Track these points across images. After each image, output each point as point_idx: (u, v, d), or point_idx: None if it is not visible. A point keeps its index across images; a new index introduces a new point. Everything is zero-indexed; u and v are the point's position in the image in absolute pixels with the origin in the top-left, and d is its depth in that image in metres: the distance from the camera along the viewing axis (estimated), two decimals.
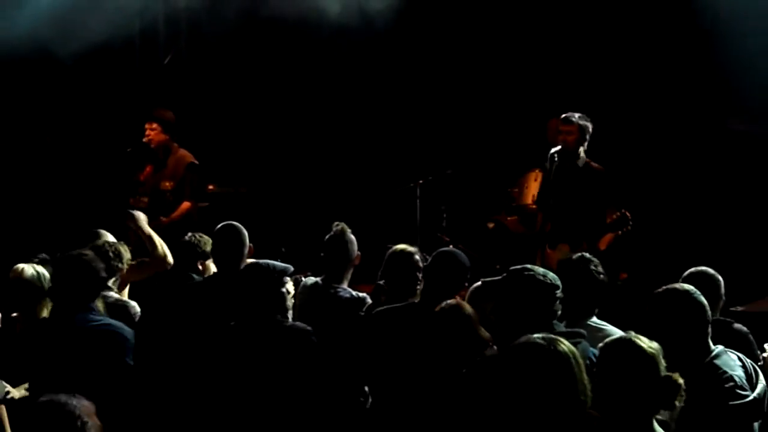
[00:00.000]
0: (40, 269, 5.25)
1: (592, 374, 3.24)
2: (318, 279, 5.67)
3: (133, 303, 5.42)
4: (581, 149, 7.25)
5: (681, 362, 3.43)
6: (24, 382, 4.47)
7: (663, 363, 3.32)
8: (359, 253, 5.69)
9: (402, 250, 5.41)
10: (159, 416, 4.79)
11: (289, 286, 4.90)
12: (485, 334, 4.43)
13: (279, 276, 4.80)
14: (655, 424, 3.28)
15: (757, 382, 4.16)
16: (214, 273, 5.67)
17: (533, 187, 8.28)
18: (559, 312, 4.28)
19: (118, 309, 5.24)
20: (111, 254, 5.47)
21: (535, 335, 3.09)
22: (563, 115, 7.28)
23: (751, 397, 4.05)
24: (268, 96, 10.18)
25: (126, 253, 5.63)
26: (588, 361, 3.93)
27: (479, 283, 4.86)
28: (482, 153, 9.80)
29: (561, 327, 4.21)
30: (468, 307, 4.55)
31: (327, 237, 5.68)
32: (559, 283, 4.26)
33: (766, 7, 8.25)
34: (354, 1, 9.14)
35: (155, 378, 5.00)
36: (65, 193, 9.71)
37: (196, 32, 9.85)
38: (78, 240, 5.71)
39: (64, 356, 4.43)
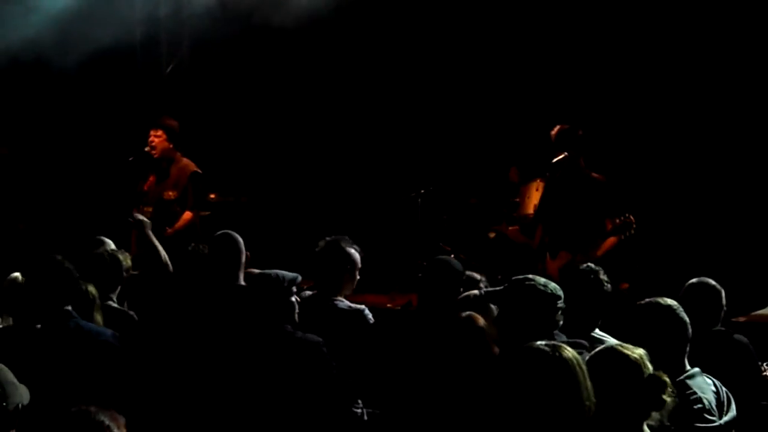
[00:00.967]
0: None
1: None
2: (314, 291, 5.66)
3: (132, 312, 5.42)
4: (581, 158, 7.25)
5: None
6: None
7: (649, 367, 3.33)
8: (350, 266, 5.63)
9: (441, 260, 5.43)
10: (165, 425, 4.79)
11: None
12: (495, 348, 4.42)
13: (288, 285, 4.82)
14: (646, 430, 3.29)
15: (728, 411, 4.10)
16: (212, 282, 5.66)
17: (535, 196, 8.28)
18: (561, 322, 4.27)
19: (119, 318, 5.25)
20: (111, 262, 5.48)
21: (539, 342, 3.10)
22: (560, 125, 7.28)
23: (716, 424, 4.00)
24: (270, 105, 10.20)
25: (126, 262, 5.64)
26: None
27: (476, 292, 4.85)
28: (484, 162, 9.80)
29: (563, 338, 4.21)
30: (481, 320, 4.53)
31: (316, 250, 5.64)
32: (560, 293, 4.26)
33: None
34: (354, 10, 9.17)
35: (161, 387, 5.00)
36: (68, 202, 9.72)
37: (198, 41, 9.87)
38: (80, 248, 5.72)
39: (38, 362, 4.44)
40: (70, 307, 4.66)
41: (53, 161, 9.87)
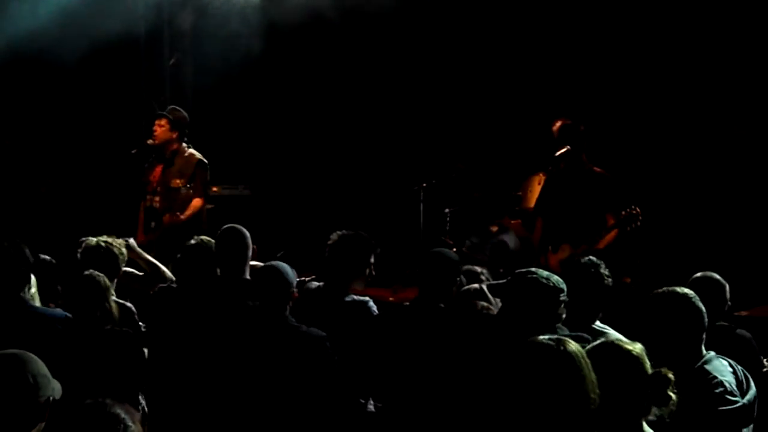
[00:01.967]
0: None
1: None
2: (320, 284, 5.66)
3: (130, 304, 5.42)
4: (583, 153, 7.25)
5: (672, 366, 3.42)
6: None
7: (647, 362, 3.32)
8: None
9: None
10: (169, 419, 4.80)
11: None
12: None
13: (291, 278, 4.87)
14: (645, 426, 3.29)
15: (747, 389, 4.14)
16: (219, 276, 5.66)
17: (537, 190, 8.27)
18: (564, 315, 4.27)
19: (119, 310, 5.25)
20: (105, 254, 5.49)
21: (543, 336, 3.09)
22: (559, 124, 7.28)
23: (740, 404, 4.03)
24: (274, 98, 10.20)
25: (122, 254, 5.63)
26: None
27: (476, 285, 4.85)
28: (486, 156, 9.80)
29: (565, 331, 4.21)
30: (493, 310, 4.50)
31: (332, 242, 5.65)
32: (563, 286, 4.26)
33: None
34: (358, 4, 9.16)
35: (166, 381, 5.01)
36: (71, 195, 9.73)
37: (201, 33, 9.86)
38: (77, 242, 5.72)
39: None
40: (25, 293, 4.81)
41: (56, 153, 9.87)
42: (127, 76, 9.82)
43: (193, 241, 5.70)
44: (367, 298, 5.55)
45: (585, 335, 4.26)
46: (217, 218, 8.29)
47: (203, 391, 4.87)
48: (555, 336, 3.10)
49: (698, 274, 5.10)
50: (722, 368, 4.13)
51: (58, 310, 5.03)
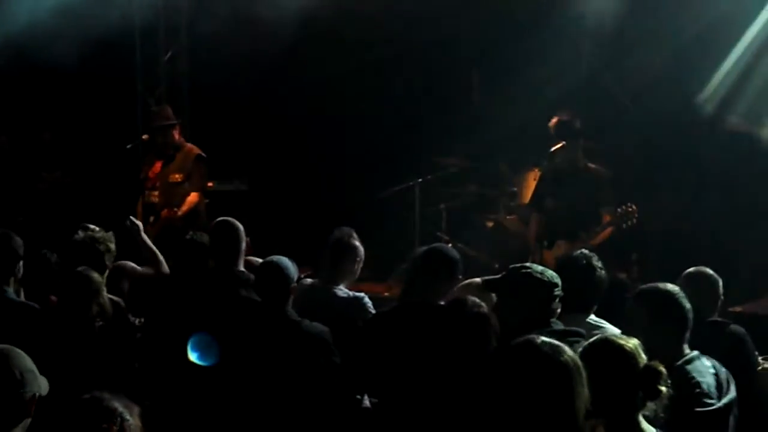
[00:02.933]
0: None
1: None
2: (314, 280, 5.68)
3: (118, 299, 5.43)
4: (579, 149, 7.26)
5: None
6: None
7: (643, 358, 3.33)
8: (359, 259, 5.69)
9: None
10: (168, 414, 4.80)
11: None
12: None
13: (292, 273, 4.89)
14: (643, 422, 3.30)
15: (727, 392, 4.09)
16: (212, 269, 5.68)
17: (532, 186, 8.29)
18: (558, 310, 4.28)
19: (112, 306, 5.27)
20: (95, 248, 5.50)
21: (540, 339, 3.04)
22: (560, 114, 7.30)
23: (715, 407, 3.99)
24: (269, 93, 10.19)
25: (110, 250, 5.63)
26: None
27: (478, 280, 4.86)
28: (481, 152, 9.80)
29: (559, 325, 4.22)
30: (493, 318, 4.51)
31: (330, 239, 5.68)
32: (557, 281, 4.27)
33: None
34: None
35: (164, 375, 5.02)
36: (67, 191, 9.73)
37: (196, 29, 9.85)
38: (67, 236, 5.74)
39: None
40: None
41: (52, 149, 9.87)
42: (123, 71, 9.81)
43: (186, 237, 5.73)
44: (362, 294, 5.57)
45: (579, 330, 4.27)
46: (214, 213, 8.30)
47: (203, 384, 4.88)
48: (552, 341, 3.05)
49: (691, 269, 5.10)
50: (703, 369, 4.07)
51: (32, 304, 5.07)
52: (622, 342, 3.34)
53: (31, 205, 9.49)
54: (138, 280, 5.93)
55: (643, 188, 8.51)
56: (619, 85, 9.15)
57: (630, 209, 6.88)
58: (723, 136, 8.76)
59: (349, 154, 10.14)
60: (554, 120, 7.42)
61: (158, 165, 8.02)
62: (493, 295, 4.76)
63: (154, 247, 6.12)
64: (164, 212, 7.81)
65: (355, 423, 5.02)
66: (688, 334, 4.14)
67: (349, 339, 5.12)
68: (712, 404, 3.99)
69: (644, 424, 3.29)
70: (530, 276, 4.22)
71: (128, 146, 8.06)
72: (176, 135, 8.05)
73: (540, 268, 4.29)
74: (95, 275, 5.00)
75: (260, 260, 5.69)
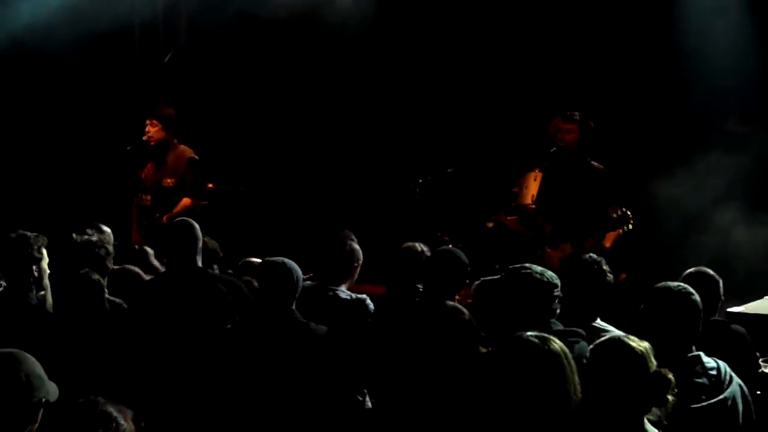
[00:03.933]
0: None
1: (585, 374, 3.26)
2: (315, 282, 5.67)
3: (120, 301, 5.42)
4: (581, 148, 7.25)
5: (661, 360, 3.43)
6: None
7: (653, 361, 3.32)
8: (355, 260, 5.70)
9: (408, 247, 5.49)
10: (167, 417, 4.79)
11: None
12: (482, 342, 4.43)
13: (300, 274, 4.92)
14: (647, 424, 3.29)
15: (727, 387, 4.10)
16: (166, 269, 5.64)
17: (533, 186, 8.27)
18: (558, 311, 4.27)
19: (110, 308, 5.26)
20: (98, 251, 5.49)
21: (528, 333, 3.08)
22: (565, 113, 7.28)
23: (712, 401, 4.00)
24: (268, 94, 10.19)
25: (110, 252, 5.62)
26: (585, 361, 3.93)
27: (496, 277, 4.85)
28: (482, 152, 9.79)
29: (559, 326, 4.21)
30: (465, 311, 4.54)
31: (329, 240, 5.69)
32: (557, 281, 4.26)
33: None
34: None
35: (164, 376, 5.01)
36: (66, 191, 9.71)
37: (196, 29, 9.85)
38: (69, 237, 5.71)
39: None
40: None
41: (50, 149, 9.86)
42: (122, 72, 9.80)
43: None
44: (364, 296, 5.58)
45: (579, 330, 4.26)
46: (211, 215, 8.28)
47: (207, 387, 4.88)
48: (540, 333, 3.08)
49: (691, 270, 5.10)
50: (704, 368, 4.08)
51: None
52: (634, 344, 3.34)
53: (35, 206, 9.48)
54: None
55: (643, 186, 8.50)
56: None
57: (625, 214, 6.85)
58: (722, 134, 8.77)
59: (349, 156, 10.13)
60: (559, 119, 7.41)
61: (150, 167, 7.97)
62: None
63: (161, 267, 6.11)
64: (164, 219, 7.71)
65: (356, 423, 5.02)
66: (697, 335, 4.15)
67: (352, 340, 5.12)
68: (709, 400, 3.99)
69: (648, 426, 3.29)
70: (530, 276, 4.22)
71: (128, 148, 8.04)
72: (152, 129, 7.88)
73: (539, 268, 4.29)
74: (96, 277, 4.99)
75: (259, 260, 5.68)
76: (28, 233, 5.16)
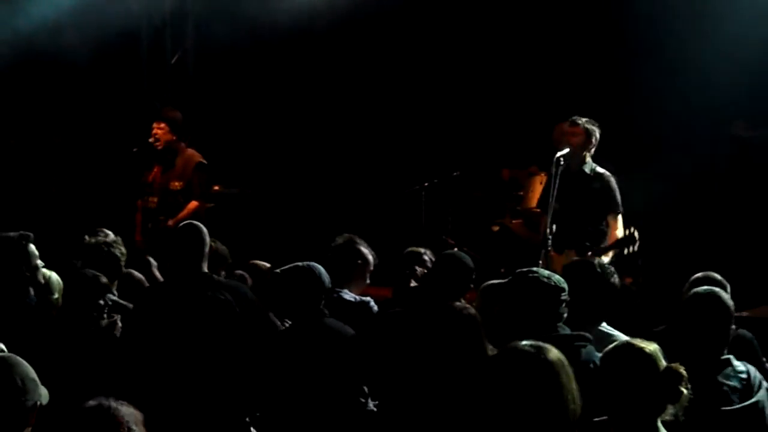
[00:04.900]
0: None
1: (594, 379, 3.26)
2: None
3: (129, 305, 5.42)
4: (587, 153, 7.24)
5: (692, 364, 3.44)
6: None
7: (663, 362, 3.33)
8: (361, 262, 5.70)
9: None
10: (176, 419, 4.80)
11: None
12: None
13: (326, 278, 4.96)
14: (661, 428, 3.29)
15: (757, 391, 4.11)
16: (171, 274, 5.63)
17: (538, 190, 8.26)
18: (565, 315, 4.26)
19: (118, 310, 5.26)
20: (108, 255, 5.48)
21: (524, 342, 3.08)
22: (571, 118, 7.28)
23: (739, 406, 4.01)
24: (275, 97, 10.20)
25: (122, 254, 5.62)
26: (592, 365, 3.93)
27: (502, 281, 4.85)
28: (488, 156, 9.80)
29: (566, 330, 4.21)
30: (474, 311, 4.54)
31: (334, 243, 5.70)
32: (564, 285, 4.25)
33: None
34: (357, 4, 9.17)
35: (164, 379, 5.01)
36: (72, 193, 9.73)
37: (203, 33, 9.86)
38: (80, 240, 5.71)
39: None
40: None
41: (58, 152, 9.88)
42: (129, 75, 9.82)
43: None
44: (368, 298, 5.58)
45: (586, 334, 4.26)
46: (218, 218, 8.29)
47: (208, 390, 4.88)
48: (536, 342, 3.08)
49: (699, 274, 5.10)
50: (732, 372, 4.10)
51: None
52: (643, 346, 3.35)
53: (38, 207, 9.49)
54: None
55: (649, 192, 8.50)
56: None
57: (633, 235, 6.83)
58: (730, 140, 8.76)
59: (355, 158, 10.14)
60: (563, 124, 7.40)
61: (157, 170, 7.96)
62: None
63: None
64: (169, 222, 7.70)
65: (359, 426, 5.02)
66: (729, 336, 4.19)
67: (356, 342, 5.13)
68: (741, 403, 4.01)
69: (662, 430, 3.29)
70: (537, 280, 4.21)
71: (134, 150, 8.04)
72: (159, 132, 7.87)
73: (546, 272, 4.28)
74: (102, 278, 4.99)
75: (268, 264, 5.68)
76: (11, 234, 5.10)
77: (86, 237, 5.66)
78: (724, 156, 8.76)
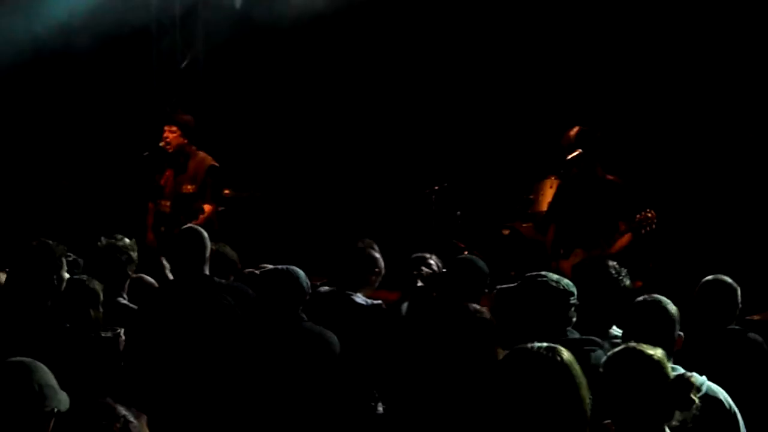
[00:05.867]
0: None
1: (600, 383, 3.24)
2: (331, 287, 5.68)
3: (135, 306, 5.43)
4: (597, 159, 7.23)
5: None
6: None
7: (669, 367, 3.31)
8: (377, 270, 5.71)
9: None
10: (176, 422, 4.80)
11: None
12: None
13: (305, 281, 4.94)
14: None
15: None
16: (174, 278, 5.64)
17: (549, 194, 8.25)
18: (574, 319, 4.25)
19: (127, 313, 5.27)
20: (118, 258, 5.49)
21: (536, 344, 3.05)
22: (576, 129, 7.27)
23: None
24: (285, 100, 10.21)
25: (133, 257, 5.63)
26: (601, 369, 3.92)
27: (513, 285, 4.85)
28: (498, 159, 9.79)
29: (575, 334, 4.20)
30: (489, 314, 4.52)
31: (349, 247, 5.70)
32: (573, 290, 4.24)
33: None
34: (370, 5, 9.18)
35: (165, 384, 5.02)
36: (84, 197, 9.76)
37: (213, 36, 9.89)
38: (91, 244, 5.72)
39: None
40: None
41: (68, 155, 9.91)
42: (139, 78, 9.84)
43: (214, 247, 5.70)
44: (379, 302, 5.58)
45: (596, 339, 4.25)
46: (229, 221, 8.30)
47: (210, 394, 4.88)
48: (548, 344, 3.05)
49: (709, 277, 5.07)
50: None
51: None
52: (650, 351, 3.31)
53: (51, 211, 9.52)
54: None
55: (660, 194, 8.48)
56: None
57: (649, 214, 6.84)
58: (742, 141, 8.73)
59: (365, 162, 10.14)
60: (575, 129, 7.39)
61: (169, 173, 7.98)
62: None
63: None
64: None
65: (368, 429, 5.02)
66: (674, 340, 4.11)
67: (367, 345, 5.13)
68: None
69: None
70: (546, 284, 4.20)
71: (145, 153, 8.07)
72: (171, 135, 7.88)
73: (556, 276, 4.27)
74: (96, 285, 4.99)
75: (272, 267, 5.68)
76: (50, 241, 5.14)
77: (100, 240, 5.68)
78: (738, 158, 8.73)
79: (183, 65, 9.94)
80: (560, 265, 6.99)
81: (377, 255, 5.71)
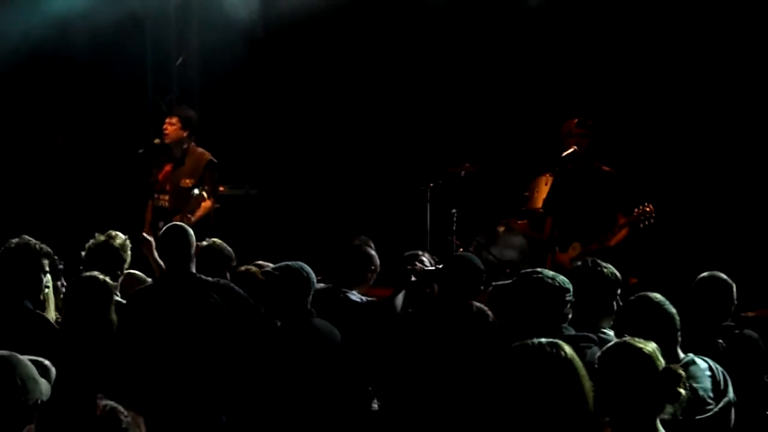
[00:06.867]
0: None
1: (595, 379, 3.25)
2: (327, 284, 5.68)
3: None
4: (595, 153, 7.24)
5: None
6: None
7: (661, 361, 3.32)
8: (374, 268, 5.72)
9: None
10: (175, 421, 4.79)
11: None
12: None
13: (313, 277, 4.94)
14: (660, 427, 3.28)
15: (725, 392, 4.09)
16: (165, 273, 5.62)
17: (544, 191, 8.25)
18: (570, 316, 4.26)
19: (121, 311, 5.26)
20: (112, 255, 5.49)
21: (537, 340, 3.06)
22: (578, 119, 7.28)
23: (711, 413, 3.99)
24: (280, 97, 10.21)
25: (126, 255, 5.62)
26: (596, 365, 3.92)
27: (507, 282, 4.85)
28: (493, 156, 9.79)
29: (570, 331, 4.20)
30: (491, 313, 4.53)
31: (345, 245, 5.71)
32: (569, 286, 4.24)
33: None
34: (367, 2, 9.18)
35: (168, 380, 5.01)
36: (79, 195, 9.75)
37: (208, 33, 9.87)
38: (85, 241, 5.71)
39: None
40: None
41: (63, 153, 9.90)
42: (134, 76, 9.83)
43: (205, 243, 5.70)
44: (374, 299, 5.58)
45: (591, 335, 4.25)
46: (224, 218, 8.29)
47: (206, 391, 4.88)
48: (550, 339, 3.06)
49: (705, 274, 5.08)
50: (699, 373, 4.08)
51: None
52: (641, 345, 3.34)
53: (45, 208, 9.51)
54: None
55: (655, 192, 8.48)
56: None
57: (647, 209, 6.85)
58: (737, 138, 8.74)
59: (361, 159, 10.14)
60: (571, 122, 7.39)
61: (168, 168, 7.98)
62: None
63: (162, 263, 6.10)
64: (176, 218, 7.72)
65: (363, 426, 5.02)
66: (679, 338, 4.16)
67: (363, 342, 5.12)
68: (710, 410, 3.99)
69: (661, 430, 3.28)
70: (541, 281, 4.20)
71: (140, 151, 8.06)
72: (171, 127, 7.88)
73: (551, 273, 4.27)
74: (109, 281, 4.99)
75: (271, 264, 5.68)
76: (32, 241, 5.08)
77: (94, 237, 5.66)
78: (732, 155, 8.73)
79: (178, 62, 9.93)
80: (557, 259, 7.00)
81: (373, 252, 5.73)
